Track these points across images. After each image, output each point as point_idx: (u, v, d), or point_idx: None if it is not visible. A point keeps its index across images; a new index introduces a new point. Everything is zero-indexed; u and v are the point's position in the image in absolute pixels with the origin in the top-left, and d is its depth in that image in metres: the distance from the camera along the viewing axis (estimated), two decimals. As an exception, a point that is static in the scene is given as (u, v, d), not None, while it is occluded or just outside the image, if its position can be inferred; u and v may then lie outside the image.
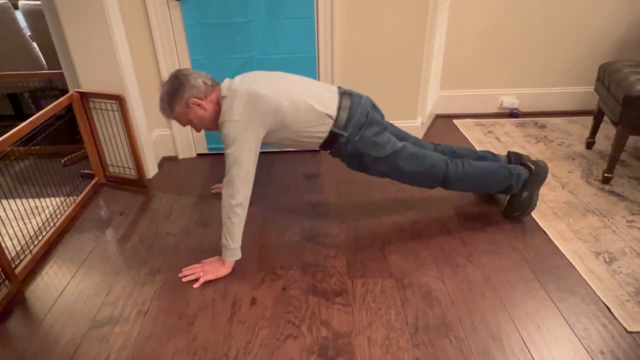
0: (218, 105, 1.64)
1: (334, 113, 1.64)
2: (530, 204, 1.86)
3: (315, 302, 1.52)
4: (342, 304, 1.51)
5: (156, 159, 2.46)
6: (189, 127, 2.47)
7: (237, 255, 1.63)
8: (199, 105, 1.62)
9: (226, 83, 1.66)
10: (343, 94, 1.70)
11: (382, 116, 1.79)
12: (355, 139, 1.67)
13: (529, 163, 1.87)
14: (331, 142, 1.69)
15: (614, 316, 1.43)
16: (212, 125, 1.68)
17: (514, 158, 1.94)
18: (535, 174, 1.85)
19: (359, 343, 1.36)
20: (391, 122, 2.52)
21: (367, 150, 1.69)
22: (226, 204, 1.56)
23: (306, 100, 1.62)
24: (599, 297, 1.50)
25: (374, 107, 1.77)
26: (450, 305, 1.49)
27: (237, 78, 1.68)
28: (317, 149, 1.74)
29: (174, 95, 1.60)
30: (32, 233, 1.87)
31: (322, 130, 1.65)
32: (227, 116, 1.56)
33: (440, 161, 1.77)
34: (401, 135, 1.87)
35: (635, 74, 2.08)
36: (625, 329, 1.38)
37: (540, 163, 1.87)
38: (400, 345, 1.35)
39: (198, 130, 1.74)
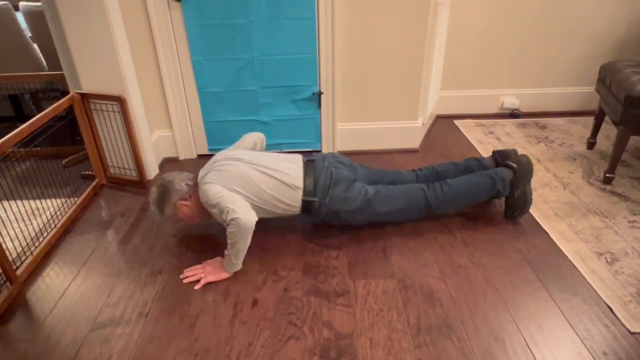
0: (199, 200, 1.72)
1: (300, 183, 1.71)
2: (526, 200, 1.86)
3: (317, 303, 1.52)
4: (343, 305, 1.51)
5: (157, 160, 2.46)
6: (189, 128, 2.49)
7: (239, 267, 1.66)
8: (185, 205, 1.72)
9: (199, 174, 1.77)
10: (306, 162, 1.78)
11: (351, 167, 1.84)
12: (327, 201, 1.74)
13: (511, 163, 1.87)
14: (307, 208, 1.75)
15: (616, 317, 1.43)
16: (202, 216, 1.77)
17: (500, 157, 1.94)
18: (520, 172, 1.85)
19: (361, 344, 1.36)
20: (392, 123, 2.53)
21: (341, 207, 1.75)
22: (232, 235, 1.56)
23: (274, 177, 1.69)
24: (601, 298, 1.50)
25: (340, 163, 1.82)
26: (452, 306, 1.49)
27: (206, 166, 1.79)
28: (300, 214, 1.79)
29: (162, 202, 1.72)
30: (33, 234, 1.87)
31: (295, 199, 1.72)
32: (204, 185, 1.66)
33: (417, 193, 1.81)
34: (376, 178, 1.90)
35: (636, 74, 2.07)
36: (628, 330, 1.38)
37: (522, 159, 1.87)
38: (402, 347, 1.35)
39: (191, 224, 1.88)
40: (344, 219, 1.80)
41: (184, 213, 1.74)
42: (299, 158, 1.81)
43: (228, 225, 1.55)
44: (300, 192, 1.72)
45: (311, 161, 1.78)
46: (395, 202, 1.80)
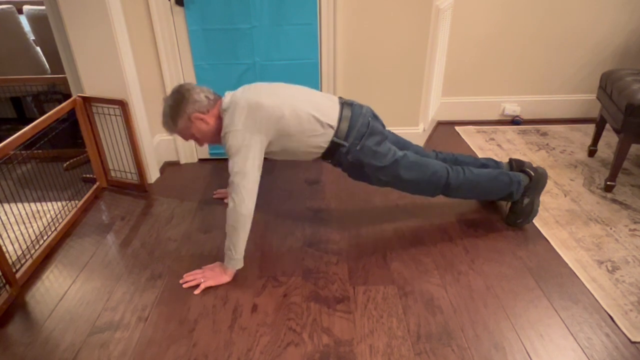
0: (220, 119, 1.64)
1: (335, 123, 1.65)
2: (532, 210, 1.86)
3: (317, 309, 1.51)
4: (343, 311, 1.50)
5: (158, 164, 2.46)
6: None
7: (240, 264, 1.63)
8: (201, 119, 1.62)
9: (227, 96, 1.66)
10: (344, 103, 1.71)
11: (383, 125, 1.80)
12: (357, 149, 1.67)
13: (529, 170, 1.87)
14: (332, 151, 1.69)
15: (617, 326, 1.42)
16: (215, 138, 1.68)
17: (516, 165, 1.94)
18: (536, 180, 1.85)
19: (361, 351, 1.35)
20: (393, 129, 2.53)
21: (368, 159, 1.69)
22: (231, 215, 1.55)
23: (308, 110, 1.62)
24: (601, 307, 1.49)
25: (375, 116, 1.77)
26: (452, 313, 1.49)
27: (239, 90, 1.68)
28: (319, 158, 1.73)
29: (177, 110, 1.61)
30: (33, 237, 1.87)
31: (324, 140, 1.65)
32: (230, 127, 1.56)
33: (441, 169, 1.78)
34: (402, 144, 1.88)
35: (638, 82, 2.08)
36: (629, 339, 1.37)
37: (540, 170, 1.87)
38: (402, 354, 1.34)
39: (201, 145, 1.75)
40: (366, 173, 1.73)
41: (198, 129, 1.63)
42: (335, 98, 1.73)
43: (230, 196, 1.53)
44: (332, 133, 1.64)
45: (349, 104, 1.70)
46: (419, 172, 1.75)
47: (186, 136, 1.69)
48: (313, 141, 1.65)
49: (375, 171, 1.72)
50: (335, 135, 1.65)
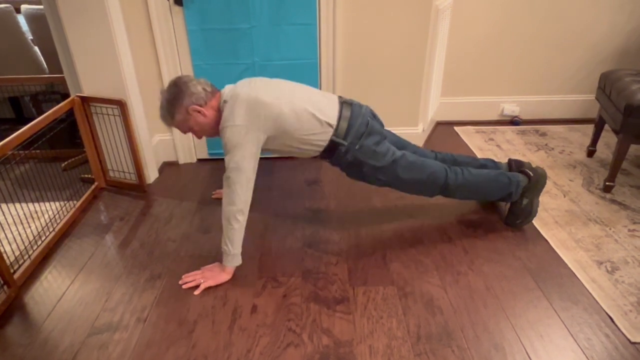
0: (218, 112, 1.64)
1: (334, 122, 1.64)
2: (531, 211, 1.86)
3: (317, 309, 1.51)
4: (343, 312, 1.50)
5: (157, 164, 2.45)
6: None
7: (238, 261, 1.63)
8: (199, 111, 1.61)
9: (227, 89, 1.66)
10: (344, 103, 1.70)
11: (382, 125, 1.80)
12: (356, 148, 1.67)
13: (528, 170, 1.87)
14: (331, 150, 1.68)
15: (616, 326, 1.42)
16: (213, 131, 1.68)
17: (515, 165, 1.94)
18: (535, 181, 1.85)
19: (361, 352, 1.35)
20: (392, 129, 2.53)
21: (367, 159, 1.69)
22: (226, 210, 1.55)
23: (307, 108, 1.61)
24: (601, 307, 1.50)
25: (374, 116, 1.78)
26: (452, 313, 1.48)
27: (239, 83, 1.68)
28: (317, 156, 1.73)
29: (174, 103, 1.60)
30: (31, 238, 1.86)
31: (323, 138, 1.65)
32: (229, 121, 1.55)
33: (439, 169, 1.78)
34: (401, 144, 1.88)
35: (637, 83, 2.08)
36: (629, 340, 1.37)
37: (539, 170, 1.87)
38: (402, 355, 1.34)
39: (199, 137, 1.74)
40: (365, 172, 1.73)
41: (195, 121, 1.61)
42: (334, 97, 1.72)
43: (225, 190, 1.53)
44: (331, 132, 1.63)
45: (348, 104, 1.70)
46: (417, 172, 1.74)
47: (184, 129, 1.68)
48: (312, 139, 1.65)
49: (373, 171, 1.72)
50: (334, 134, 1.65)
